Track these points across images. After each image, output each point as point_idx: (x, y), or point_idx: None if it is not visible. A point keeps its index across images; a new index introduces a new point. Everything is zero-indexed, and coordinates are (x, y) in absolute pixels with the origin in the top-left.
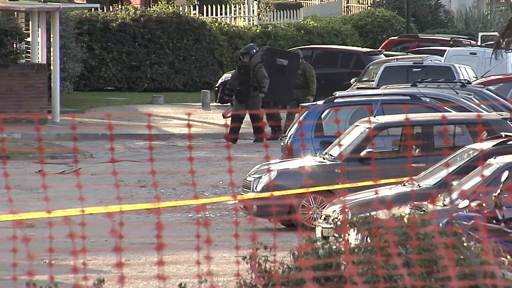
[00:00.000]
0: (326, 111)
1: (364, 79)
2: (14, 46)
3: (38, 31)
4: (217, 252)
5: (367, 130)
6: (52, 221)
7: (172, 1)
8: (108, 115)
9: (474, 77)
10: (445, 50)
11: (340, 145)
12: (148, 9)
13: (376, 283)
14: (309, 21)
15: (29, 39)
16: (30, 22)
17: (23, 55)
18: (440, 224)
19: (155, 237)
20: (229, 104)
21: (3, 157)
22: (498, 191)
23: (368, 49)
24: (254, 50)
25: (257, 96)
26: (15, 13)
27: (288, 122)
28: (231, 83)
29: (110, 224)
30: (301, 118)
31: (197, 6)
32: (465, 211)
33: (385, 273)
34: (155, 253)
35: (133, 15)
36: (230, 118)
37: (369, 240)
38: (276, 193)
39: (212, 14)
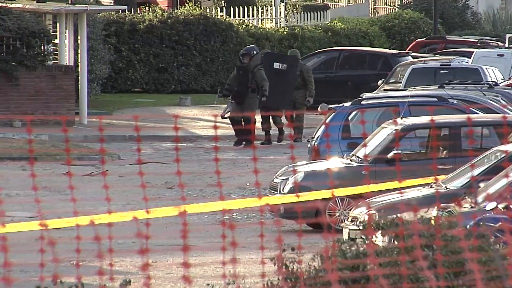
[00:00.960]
0: (353, 113)
1: (391, 80)
2: (42, 48)
3: (65, 33)
4: (244, 254)
5: (394, 131)
6: (79, 222)
7: (199, 2)
8: (135, 116)
9: (501, 78)
10: (473, 52)
11: (367, 147)
12: (176, 10)
13: (401, 284)
14: (336, 23)
15: (56, 41)
16: (58, 24)
17: (51, 57)
18: (467, 226)
19: (181, 238)
20: (226, 105)
21: (30, 158)
22: None
23: (395, 51)
24: (255, 52)
25: (254, 99)
26: (43, 15)
27: (299, 123)
28: (230, 84)
29: (136, 226)
30: (328, 120)
31: (224, 7)
32: (492, 213)
33: (411, 274)
34: (182, 255)
35: (161, 17)
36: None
37: (396, 242)
38: (301, 194)
39: (239, 16)
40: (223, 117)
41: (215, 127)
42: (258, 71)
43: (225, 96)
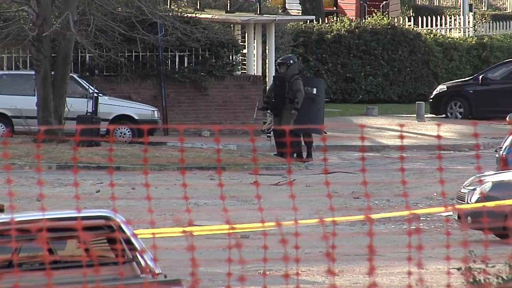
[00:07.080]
0: None
1: None
2: (230, 58)
3: (253, 43)
4: (431, 263)
5: None
6: (266, 231)
7: (387, 12)
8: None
9: None
10: None
11: None
12: (363, 20)
13: None
14: None
15: (245, 51)
16: (246, 34)
17: (239, 67)
18: None
19: (367, 247)
20: (267, 119)
21: (218, 168)
22: None
23: None
24: (291, 61)
25: (292, 109)
26: (232, 25)
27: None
28: (268, 95)
29: (323, 235)
30: None
31: (412, 17)
32: None
33: None
34: (368, 264)
35: (348, 27)
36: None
37: None
38: (488, 204)
39: (427, 26)
40: (263, 131)
41: (401, 137)
42: (296, 81)
43: (264, 109)
